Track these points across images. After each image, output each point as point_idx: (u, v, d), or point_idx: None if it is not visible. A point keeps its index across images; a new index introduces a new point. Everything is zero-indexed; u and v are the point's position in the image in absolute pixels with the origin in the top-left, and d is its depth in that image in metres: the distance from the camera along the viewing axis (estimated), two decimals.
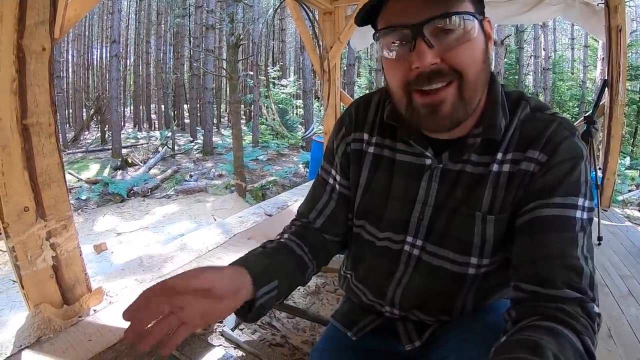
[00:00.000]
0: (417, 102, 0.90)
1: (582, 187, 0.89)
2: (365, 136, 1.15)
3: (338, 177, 1.21)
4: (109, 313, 1.61)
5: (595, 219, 3.67)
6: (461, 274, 1.02)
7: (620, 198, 10.10)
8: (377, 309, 1.21)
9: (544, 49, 23.59)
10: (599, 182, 4.13)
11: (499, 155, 0.95)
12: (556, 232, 0.87)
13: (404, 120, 0.99)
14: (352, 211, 1.20)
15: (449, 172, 1.00)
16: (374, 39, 0.94)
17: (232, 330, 2.21)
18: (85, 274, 2.24)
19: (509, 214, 0.95)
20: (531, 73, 24.94)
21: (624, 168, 13.34)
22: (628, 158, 15.45)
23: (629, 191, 11.24)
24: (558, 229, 0.87)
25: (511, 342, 0.76)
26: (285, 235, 1.17)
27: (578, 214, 0.88)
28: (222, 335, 2.23)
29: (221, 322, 2.32)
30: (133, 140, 22.90)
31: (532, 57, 24.15)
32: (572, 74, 26.68)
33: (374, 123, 1.14)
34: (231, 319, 2.24)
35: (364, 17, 0.95)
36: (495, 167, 0.95)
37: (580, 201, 0.88)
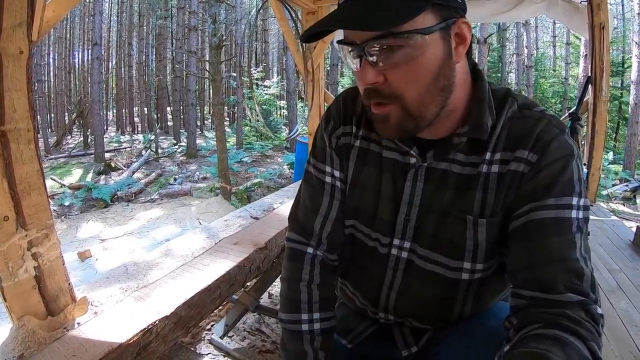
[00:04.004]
0: (372, 111, 0.93)
1: (575, 186, 0.88)
2: (353, 129, 1.12)
3: (337, 173, 1.15)
4: (94, 326, 1.56)
5: None
6: (455, 279, 1.00)
7: (604, 192, 10.27)
8: (371, 315, 1.18)
9: (526, 46, 23.85)
10: (584, 178, 4.15)
11: (487, 156, 0.93)
12: (553, 235, 0.85)
13: None
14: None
15: (435, 171, 0.98)
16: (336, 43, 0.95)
17: (221, 338, 2.16)
18: (69, 283, 2.19)
19: (501, 217, 0.93)
20: (514, 71, 25.20)
21: (607, 163, 13.56)
22: (611, 153, 15.72)
23: (613, 185, 11.44)
24: (555, 232, 0.85)
25: (516, 356, 0.74)
26: (316, 317, 1.13)
27: (574, 214, 0.86)
28: (210, 343, 2.19)
29: (209, 330, 2.28)
30: (116, 144, 22.68)
31: (515, 55, 24.40)
32: (554, 71, 27.12)
33: (361, 115, 1.11)
34: (219, 326, 2.20)
35: (310, 39, 0.92)
36: (484, 168, 0.93)
37: (575, 200, 0.87)
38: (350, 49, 0.87)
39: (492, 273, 1.01)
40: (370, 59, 0.84)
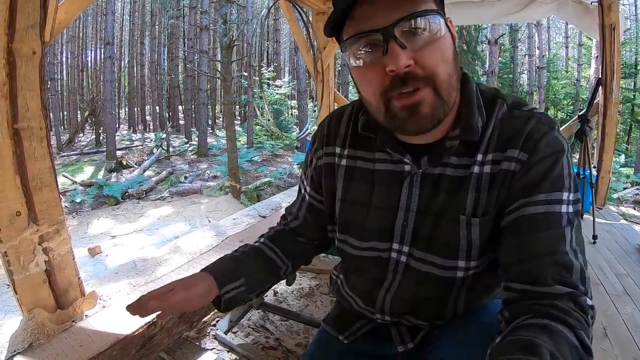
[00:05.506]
0: (395, 106, 0.88)
1: (565, 181, 0.89)
2: (337, 149, 1.16)
3: (308, 188, 1.28)
4: (101, 318, 1.60)
5: (591, 218, 3.67)
6: (450, 278, 1.01)
7: (615, 196, 10.16)
8: (367, 316, 1.20)
9: (538, 47, 23.62)
10: (594, 181, 4.11)
11: (479, 157, 0.95)
12: (543, 229, 0.87)
13: (380, 129, 1.01)
14: (331, 222, 1.25)
15: (429, 176, 0.99)
16: (341, 50, 0.95)
17: (225, 333, 2.20)
18: (79, 278, 2.22)
19: (493, 216, 0.95)
20: (525, 72, 24.95)
21: (618, 166, 13.42)
22: (623, 156, 15.54)
23: (624, 189, 11.31)
24: (545, 226, 0.87)
25: (506, 343, 0.76)
26: (261, 240, 1.31)
27: (563, 208, 0.88)
28: (215, 338, 2.22)
29: (214, 325, 2.31)
30: (128, 142, 22.86)
31: (527, 56, 24.15)
32: (566, 72, 26.86)
33: (345, 136, 1.15)
34: (224, 322, 2.23)
35: (334, 27, 0.94)
36: (476, 169, 0.95)
37: (565, 195, 0.88)
38: (365, 45, 0.87)
39: (485, 269, 1.02)
40: (400, 40, 0.83)
